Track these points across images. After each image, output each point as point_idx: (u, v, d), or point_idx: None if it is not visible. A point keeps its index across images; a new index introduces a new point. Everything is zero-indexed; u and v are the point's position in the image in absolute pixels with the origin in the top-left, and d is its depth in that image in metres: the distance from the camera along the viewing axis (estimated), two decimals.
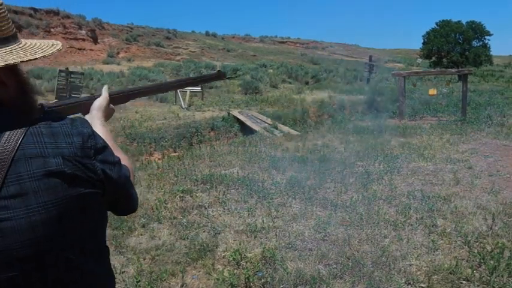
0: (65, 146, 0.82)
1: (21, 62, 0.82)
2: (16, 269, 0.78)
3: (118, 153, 1.02)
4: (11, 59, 0.80)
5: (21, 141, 0.79)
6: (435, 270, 2.99)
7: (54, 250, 0.81)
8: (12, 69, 0.83)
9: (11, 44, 0.84)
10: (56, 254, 0.82)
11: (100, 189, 0.89)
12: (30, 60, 0.83)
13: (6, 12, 0.84)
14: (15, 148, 0.78)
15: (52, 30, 32.23)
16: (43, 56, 0.85)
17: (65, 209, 0.81)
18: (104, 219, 0.98)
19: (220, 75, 1.39)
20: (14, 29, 0.86)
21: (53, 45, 0.91)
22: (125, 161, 1.03)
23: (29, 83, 0.90)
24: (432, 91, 12.07)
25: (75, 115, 0.98)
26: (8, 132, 0.79)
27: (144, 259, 3.26)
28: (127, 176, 1.00)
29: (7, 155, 0.77)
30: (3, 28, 0.83)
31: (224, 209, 4.31)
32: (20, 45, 0.86)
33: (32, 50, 0.86)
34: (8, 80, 0.83)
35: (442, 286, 2.83)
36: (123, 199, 1.01)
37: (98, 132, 0.97)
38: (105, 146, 0.92)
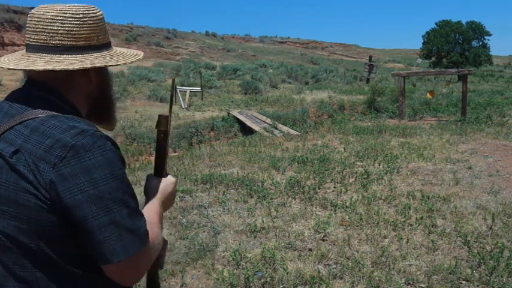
0: (31, 142, 0.84)
1: (105, 66, 0.97)
2: None
3: (153, 227, 0.96)
4: (98, 63, 0.95)
5: (14, 126, 0.88)
6: (435, 270, 2.99)
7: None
8: (100, 70, 1.00)
9: (103, 50, 0.99)
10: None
11: (46, 202, 0.82)
12: (112, 65, 0.98)
13: (105, 25, 1.00)
14: (7, 129, 0.88)
15: None
16: (124, 63, 1.00)
17: (8, 192, 0.85)
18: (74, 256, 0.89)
19: (161, 121, 1.11)
20: (109, 39, 1.03)
21: (135, 55, 1.06)
22: (153, 229, 0.95)
23: (110, 85, 1.06)
24: (429, 94, 12.02)
25: (104, 132, 0.92)
26: (25, 114, 0.89)
27: None
28: (114, 220, 0.83)
29: (1, 131, 0.89)
30: (100, 37, 0.98)
31: (224, 209, 4.31)
32: (110, 52, 1.01)
33: (117, 57, 1.01)
34: (94, 77, 1.00)
35: (442, 286, 2.83)
36: (91, 244, 0.84)
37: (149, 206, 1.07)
38: (89, 169, 0.82)
